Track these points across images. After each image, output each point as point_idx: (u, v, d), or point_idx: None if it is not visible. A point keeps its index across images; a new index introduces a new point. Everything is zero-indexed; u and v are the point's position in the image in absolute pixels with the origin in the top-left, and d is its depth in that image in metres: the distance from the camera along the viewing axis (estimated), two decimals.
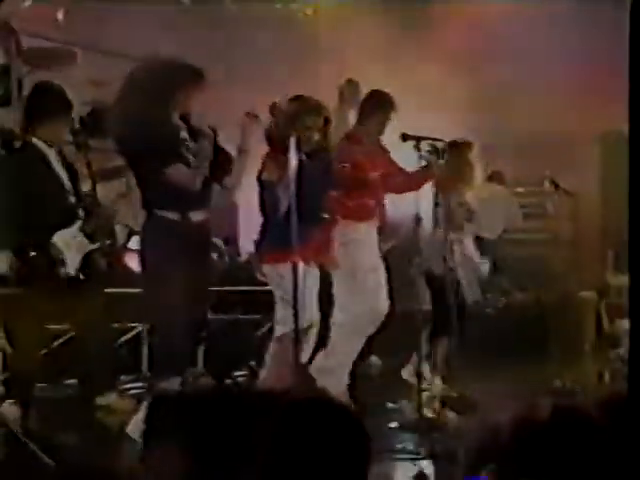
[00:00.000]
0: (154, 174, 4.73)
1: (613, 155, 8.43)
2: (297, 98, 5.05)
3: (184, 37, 7.52)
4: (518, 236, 8.30)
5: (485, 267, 6.66)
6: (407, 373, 6.06)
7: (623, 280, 7.96)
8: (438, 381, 5.94)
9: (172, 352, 4.73)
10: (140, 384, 6.03)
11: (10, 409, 5.05)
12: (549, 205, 8.16)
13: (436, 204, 5.68)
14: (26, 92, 7.19)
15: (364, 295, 5.43)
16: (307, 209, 4.65)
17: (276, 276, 4.89)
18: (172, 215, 4.73)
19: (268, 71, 8.04)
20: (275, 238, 4.82)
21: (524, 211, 8.35)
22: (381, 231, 5.66)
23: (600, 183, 9.05)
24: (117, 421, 5.03)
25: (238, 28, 8.22)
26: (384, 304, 5.49)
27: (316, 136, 5.04)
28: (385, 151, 5.72)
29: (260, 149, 5.05)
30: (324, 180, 5.08)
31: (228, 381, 6.03)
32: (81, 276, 5.06)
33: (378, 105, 5.59)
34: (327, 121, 5.11)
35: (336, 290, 5.52)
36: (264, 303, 6.84)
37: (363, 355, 5.86)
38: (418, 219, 4.98)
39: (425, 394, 5.25)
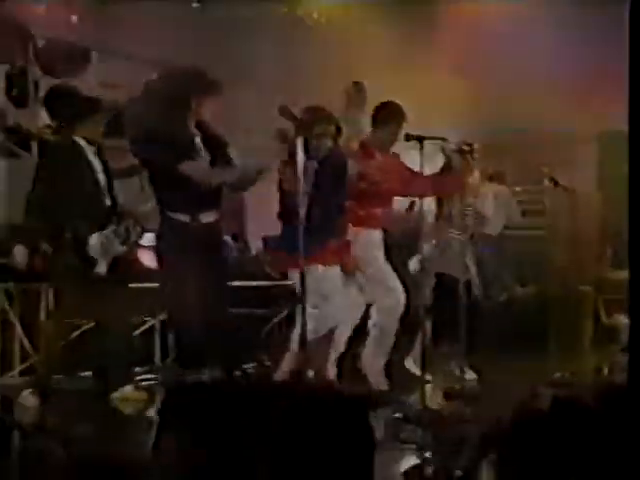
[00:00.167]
0: (167, 176, 4.82)
1: (611, 153, 8.41)
2: (310, 108, 5.10)
3: (193, 40, 7.53)
4: (518, 232, 8.29)
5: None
6: (410, 363, 6.12)
7: (620, 275, 7.95)
8: (441, 373, 5.97)
9: (194, 346, 4.85)
10: (153, 376, 6.05)
11: (29, 399, 5.08)
12: (548, 202, 8.17)
13: (440, 206, 5.75)
14: (42, 93, 7.23)
15: (390, 293, 5.58)
16: (323, 215, 4.74)
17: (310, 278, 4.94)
18: (183, 217, 4.84)
19: (274, 74, 8.04)
20: (295, 244, 4.84)
21: (524, 208, 8.34)
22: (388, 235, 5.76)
23: (598, 181, 9.04)
24: (133, 411, 5.06)
25: (245, 31, 8.21)
26: (402, 300, 5.62)
27: (328, 143, 5.12)
28: (395, 156, 5.75)
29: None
30: (337, 187, 5.15)
31: (237, 373, 6.04)
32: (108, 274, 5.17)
33: (391, 116, 5.64)
34: (339, 129, 5.21)
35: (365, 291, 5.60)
36: (273, 298, 6.88)
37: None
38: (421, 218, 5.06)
39: (428, 386, 5.27)
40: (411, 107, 5.81)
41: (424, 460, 3.99)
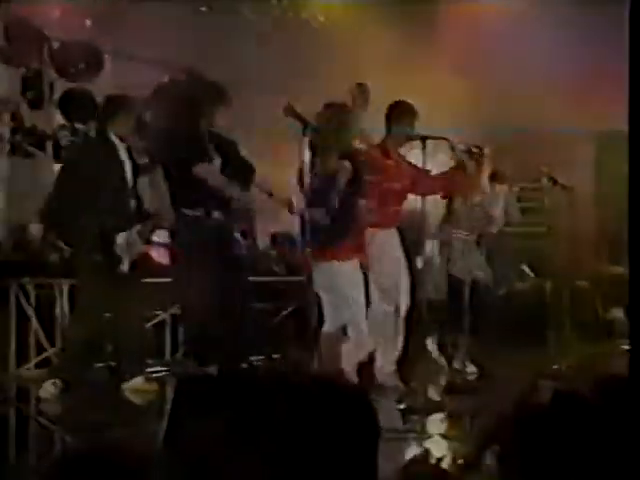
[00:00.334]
0: (182, 176, 4.99)
1: (609, 153, 8.38)
2: (330, 106, 5.05)
3: (200, 43, 7.51)
4: (518, 229, 8.27)
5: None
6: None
7: (617, 270, 7.93)
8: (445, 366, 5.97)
9: (204, 337, 4.94)
10: (163, 368, 6.06)
11: (49, 389, 5.09)
12: (547, 200, 8.13)
13: (449, 206, 5.76)
14: (57, 95, 7.23)
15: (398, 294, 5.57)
16: (341, 212, 4.77)
17: (326, 274, 4.90)
18: (196, 213, 5.00)
19: (281, 76, 8.01)
20: (319, 239, 4.82)
21: (524, 206, 8.32)
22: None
23: (596, 179, 9.01)
24: (144, 402, 5.07)
25: (253, 34, 8.19)
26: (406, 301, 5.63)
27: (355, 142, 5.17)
28: (406, 159, 5.72)
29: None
30: (354, 186, 5.13)
31: (244, 366, 6.04)
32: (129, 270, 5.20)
33: (404, 114, 5.60)
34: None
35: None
36: (280, 292, 6.87)
37: None
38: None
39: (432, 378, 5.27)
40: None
41: (427, 450, 4.00)
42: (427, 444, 4.15)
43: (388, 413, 4.65)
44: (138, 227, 5.20)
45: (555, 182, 6.46)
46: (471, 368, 6.05)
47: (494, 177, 6.66)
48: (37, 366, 5.77)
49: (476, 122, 7.74)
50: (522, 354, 6.40)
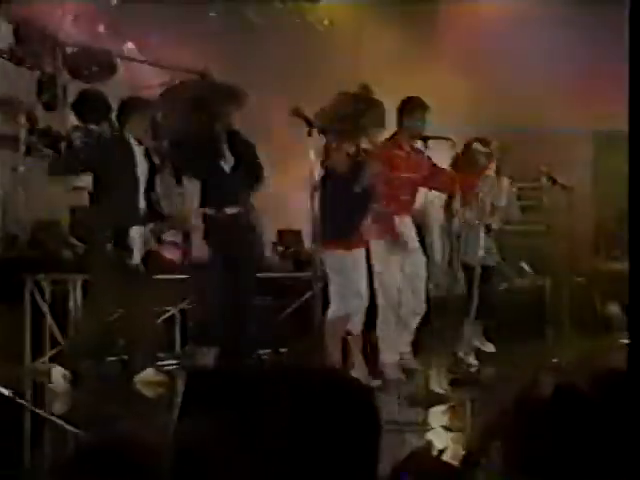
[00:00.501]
0: (193, 174, 5.13)
1: (607, 152, 8.35)
2: (346, 94, 5.05)
3: (209, 47, 7.51)
4: (518, 227, 8.25)
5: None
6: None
7: (614, 267, 7.91)
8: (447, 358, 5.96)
9: (210, 330, 4.99)
10: (174, 361, 6.06)
11: (59, 381, 5.09)
12: (546, 199, 8.12)
13: (449, 198, 5.76)
14: (70, 98, 7.25)
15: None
16: (360, 200, 4.75)
17: (336, 262, 4.92)
18: (209, 211, 5.10)
19: (287, 78, 8.00)
20: (333, 228, 4.81)
21: (523, 204, 8.29)
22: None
23: (594, 179, 8.98)
24: (154, 394, 5.07)
25: (260, 38, 8.18)
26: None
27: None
28: (420, 152, 5.70)
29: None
30: (365, 176, 5.11)
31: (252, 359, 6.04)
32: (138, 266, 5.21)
33: (416, 108, 5.60)
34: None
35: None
36: (287, 288, 6.86)
37: None
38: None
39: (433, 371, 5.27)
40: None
41: (427, 443, 3.98)
42: (429, 436, 4.14)
43: (389, 405, 4.64)
44: (151, 226, 5.23)
45: (554, 181, 6.44)
46: (488, 347, 6.08)
47: (498, 171, 6.66)
48: (51, 360, 5.78)
49: (476, 122, 7.71)
50: (522, 347, 6.40)
